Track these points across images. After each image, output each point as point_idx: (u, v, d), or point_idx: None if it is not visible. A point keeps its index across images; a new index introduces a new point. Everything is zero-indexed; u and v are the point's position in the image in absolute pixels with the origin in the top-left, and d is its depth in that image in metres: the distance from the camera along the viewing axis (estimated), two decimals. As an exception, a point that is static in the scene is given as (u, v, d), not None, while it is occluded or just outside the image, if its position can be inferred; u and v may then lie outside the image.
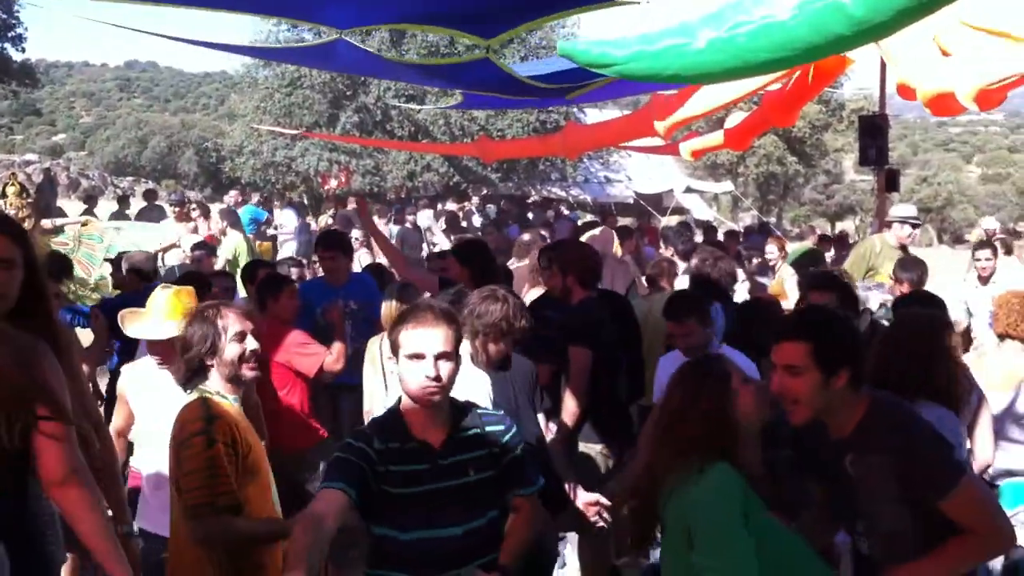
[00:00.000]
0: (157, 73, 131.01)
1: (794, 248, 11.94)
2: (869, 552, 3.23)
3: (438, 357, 3.06)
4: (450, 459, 3.12)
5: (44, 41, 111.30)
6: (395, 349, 3.16)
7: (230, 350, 3.57)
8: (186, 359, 3.55)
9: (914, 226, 8.88)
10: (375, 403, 5.30)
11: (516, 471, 3.25)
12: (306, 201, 28.63)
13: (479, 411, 3.33)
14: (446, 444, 3.14)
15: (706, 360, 3.41)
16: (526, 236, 9.96)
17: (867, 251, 8.54)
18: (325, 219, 19.54)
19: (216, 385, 3.58)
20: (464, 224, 17.43)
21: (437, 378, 3.05)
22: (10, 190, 15.63)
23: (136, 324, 4.70)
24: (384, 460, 3.08)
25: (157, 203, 17.51)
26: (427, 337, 3.08)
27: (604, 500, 4.65)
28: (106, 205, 21.20)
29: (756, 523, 2.89)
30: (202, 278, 6.12)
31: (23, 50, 30.01)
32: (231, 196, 18.12)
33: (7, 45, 29.29)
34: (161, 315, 4.57)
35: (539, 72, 8.27)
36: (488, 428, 3.24)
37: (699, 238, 12.52)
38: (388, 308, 5.59)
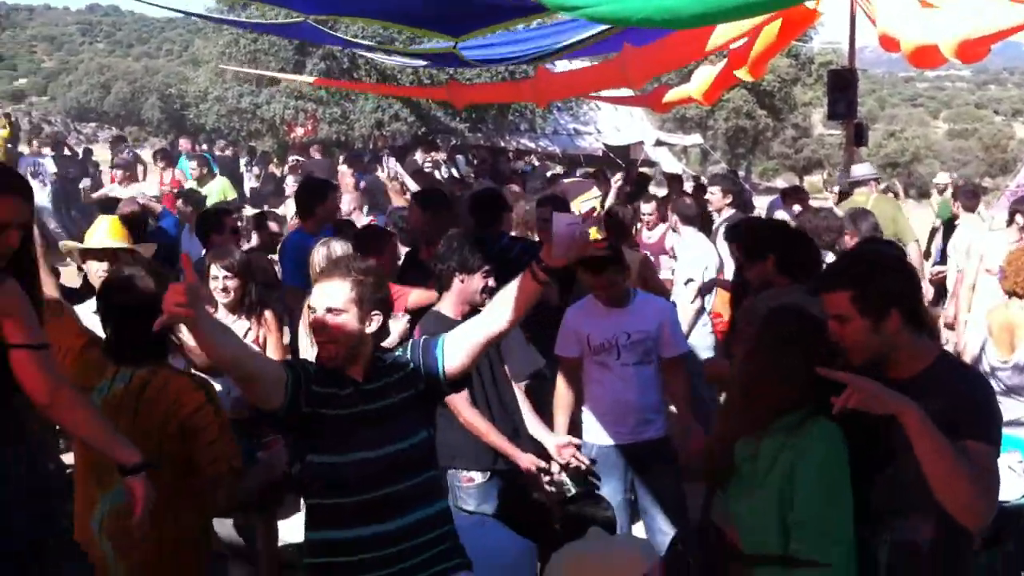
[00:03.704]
0: (120, 17, 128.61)
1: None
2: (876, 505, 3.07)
3: (328, 311, 3.16)
4: (373, 384, 3.24)
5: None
6: None
7: None
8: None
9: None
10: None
11: (428, 366, 3.31)
12: (272, 148, 28.32)
13: (393, 352, 3.46)
14: (367, 374, 3.25)
15: (790, 307, 3.38)
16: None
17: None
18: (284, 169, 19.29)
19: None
20: (434, 174, 17.28)
21: (322, 326, 3.16)
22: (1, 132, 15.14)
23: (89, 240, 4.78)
24: (317, 380, 3.17)
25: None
26: (320, 292, 3.22)
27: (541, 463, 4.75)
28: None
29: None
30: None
31: (-19, -8, 29.35)
32: (183, 143, 17.68)
33: (-35, -14, 28.64)
34: (105, 234, 4.68)
35: (503, 52, 8.27)
36: (398, 355, 3.37)
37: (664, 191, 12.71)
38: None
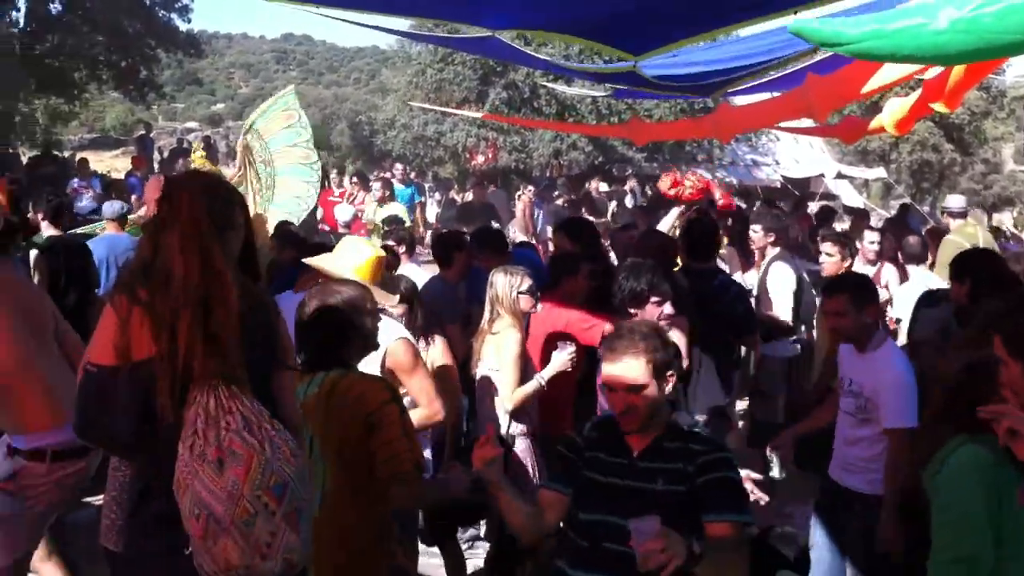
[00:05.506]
0: (312, 46, 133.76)
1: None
2: None
3: (628, 388, 3.24)
4: (645, 464, 3.26)
5: (207, 12, 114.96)
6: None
7: None
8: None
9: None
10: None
11: (709, 494, 3.18)
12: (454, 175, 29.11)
13: (694, 429, 3.43)
14: (646, 450, 3.29)
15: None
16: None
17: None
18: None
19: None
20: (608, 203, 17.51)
21: (624, 403, 3.25)
22: (196, 155, 16.44)
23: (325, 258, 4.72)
24: (590, 446, 3.37)
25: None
26: (616, 370, 3.27)
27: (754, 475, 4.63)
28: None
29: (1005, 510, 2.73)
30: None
31: (189, 20, 31.01)
32: (398, 170, 18.19)
33: (174, 15, 30.39)
34: (349, 263, 4.55)
35: (684, 71, 8.35)
36: (691, 446, 3.26)
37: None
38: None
